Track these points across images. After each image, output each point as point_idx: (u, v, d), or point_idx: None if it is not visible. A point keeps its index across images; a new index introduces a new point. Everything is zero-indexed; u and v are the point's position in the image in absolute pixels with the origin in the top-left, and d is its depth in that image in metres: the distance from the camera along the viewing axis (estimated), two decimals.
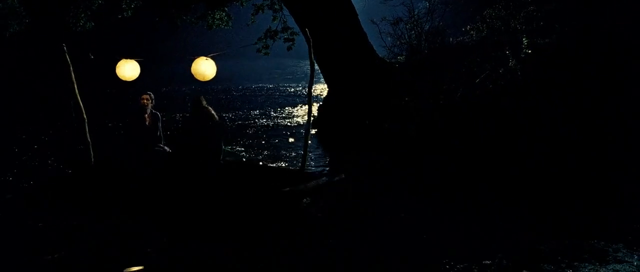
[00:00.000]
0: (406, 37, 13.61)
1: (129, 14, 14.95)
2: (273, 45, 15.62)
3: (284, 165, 10.17)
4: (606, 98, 9.49)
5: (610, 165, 8.88)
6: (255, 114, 18.16)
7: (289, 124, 15.69)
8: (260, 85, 30.40)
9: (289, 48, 14.72)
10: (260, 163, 10.17)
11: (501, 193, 8.18)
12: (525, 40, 10.59)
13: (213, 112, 8.19)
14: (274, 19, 15.29)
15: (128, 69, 8.30)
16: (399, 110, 10.37)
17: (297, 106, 19.76)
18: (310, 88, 8.02)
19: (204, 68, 7.89)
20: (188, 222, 7.20)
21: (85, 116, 8.32)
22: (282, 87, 29.30)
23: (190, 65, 7.99)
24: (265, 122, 16.28)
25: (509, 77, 10.30)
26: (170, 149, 8.63)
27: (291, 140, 12.73)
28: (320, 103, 14.46)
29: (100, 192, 8.15)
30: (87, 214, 7.68)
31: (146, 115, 8.49)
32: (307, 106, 8.85)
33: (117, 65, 8.30)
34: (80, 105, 8.29)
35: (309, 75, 8.08)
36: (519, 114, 9.60)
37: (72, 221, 7.41)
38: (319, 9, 12.17)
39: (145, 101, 8.50)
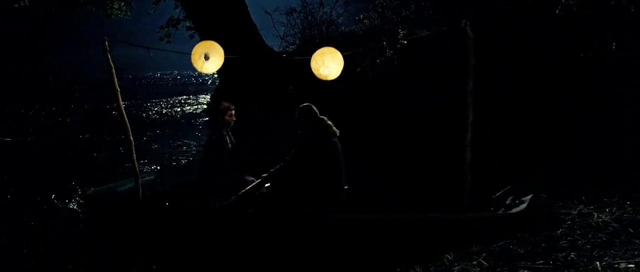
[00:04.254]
0: (299, 26, 14.28)
1: (27, 3, 14.90)
2: (179, 31, 16.01)
3: None
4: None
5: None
6: (156, 105, 18.47)
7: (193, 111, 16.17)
8: (164, 73, 30.32)
9: (192, 36, 15.15)
10: None
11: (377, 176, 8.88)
12: (401, 31, 11.45)
13: (330, 123, 6.56)
14: (176, 7, 15.66)
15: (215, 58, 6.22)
16: (283, 99, 11.08)
17: (200, 94, 20.08)
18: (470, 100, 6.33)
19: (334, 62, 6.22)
20: None
21: (132, 138, 6.64)
22: (187, 74, 29.37)
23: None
24: (171, 111, 16.67)
25: (387, 67, 11.21)
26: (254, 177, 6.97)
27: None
28: (212, 93, 15.04)
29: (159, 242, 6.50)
30: None
31: (226, 134, 6.90)
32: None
33: (194, 50, 6.24)
34: (126, 122, 6.59)
35: None
36: (393, 102, 10.50)
37: None
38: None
39: (230, 118, 6.97)
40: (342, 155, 6.52)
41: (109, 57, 6.42)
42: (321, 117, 6.53)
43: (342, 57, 6.36)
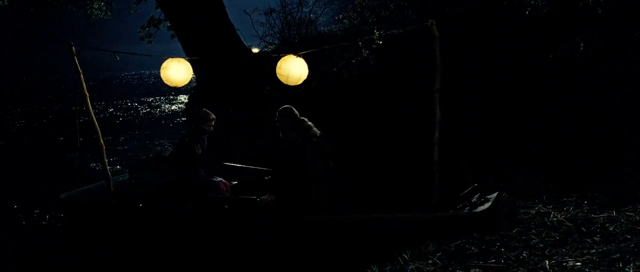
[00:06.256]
0: (278, 26, 14.33)
1: (5, 3, 14.90)
2: (160, 30, 16.05)
3: None
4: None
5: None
6: (132, 104, 18.43)
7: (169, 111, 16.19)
8: (140, 73, 30.07)
9: (173, 36, 15.19)
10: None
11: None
12: (376, 32, 11.54)
13: (311, 124, 6.65)
14: (157, 7, 15.69)
15: (180, 72, 6.54)
16: (259, 99, 11.15)
17: (177, 94, 19.94)
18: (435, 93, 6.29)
19: (297, 68, 6.29)
20: None
21: (102, 142, 6.73)
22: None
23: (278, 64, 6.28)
24: (147, 111, 16.67)
25: (363, 67, 11.29)
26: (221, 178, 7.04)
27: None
28: (191, 91, 15.10)
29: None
30: None
31: (197, 140, 6.91)
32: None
33: (163, 66, 6.57)
34: (95, 126, 6.62)
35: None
36: (368, 102, 10.57)
37: None
38: None
39: (208, 128, 6.95)
40: (320, 156, 6.53)
41: (77, 61, 6.37)
42: (302, 118, 6.59)
43: (304, 64, 6.42)
